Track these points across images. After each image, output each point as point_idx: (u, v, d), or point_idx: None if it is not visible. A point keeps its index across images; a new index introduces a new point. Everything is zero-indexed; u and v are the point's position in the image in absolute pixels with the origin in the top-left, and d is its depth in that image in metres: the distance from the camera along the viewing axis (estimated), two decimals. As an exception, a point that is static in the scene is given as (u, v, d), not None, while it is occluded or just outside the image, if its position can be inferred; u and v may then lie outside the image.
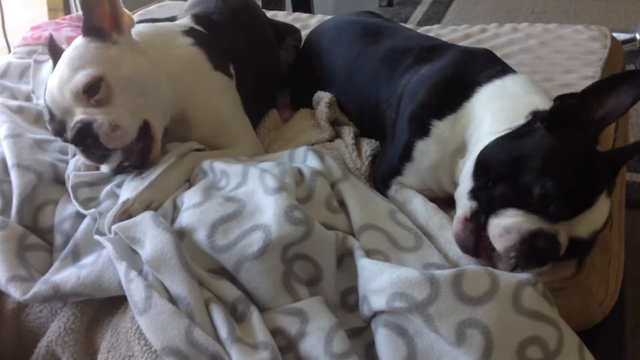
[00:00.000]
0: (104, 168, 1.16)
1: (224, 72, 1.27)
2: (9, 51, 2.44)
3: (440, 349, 0.83)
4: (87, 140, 1.05)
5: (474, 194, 0.96)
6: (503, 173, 0.94)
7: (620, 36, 2.59)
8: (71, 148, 1.21)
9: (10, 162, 1.14)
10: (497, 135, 0.99)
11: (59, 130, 1.10)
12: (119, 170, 1.13)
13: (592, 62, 1.61)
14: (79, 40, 1.12)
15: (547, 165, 0.90)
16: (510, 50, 1.74)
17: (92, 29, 1.11)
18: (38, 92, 1.46)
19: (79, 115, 1.06)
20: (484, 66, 1.15)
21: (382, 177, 1.17)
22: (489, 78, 1.11)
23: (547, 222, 0.89)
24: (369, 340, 0.90)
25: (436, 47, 1.26)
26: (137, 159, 1.10)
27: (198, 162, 1.15)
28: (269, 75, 1.47)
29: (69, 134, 1.07)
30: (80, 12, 1.81)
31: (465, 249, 0.96)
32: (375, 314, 0.89)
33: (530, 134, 0.96)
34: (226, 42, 1.33)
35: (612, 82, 0.92)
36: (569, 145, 0.93)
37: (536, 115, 0.98)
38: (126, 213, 1.03)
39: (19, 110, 1.30)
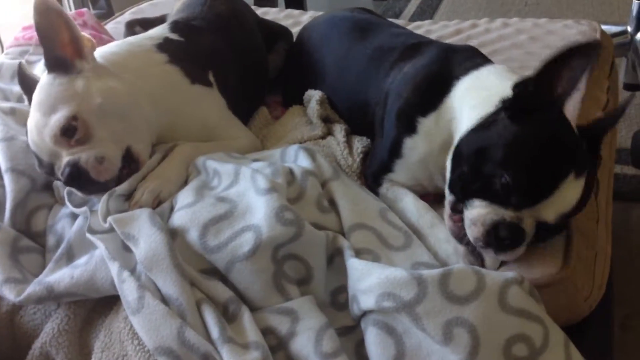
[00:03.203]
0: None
1: (203, 82, 1.27)
2: (2, 50, 2.43)
3: (428, 348, 0.84)
4: (80, 179, 1.06)
5: (451, 186, 0.99)
6: (470, 165, 0.97)
7: (612, 29, 2.58)
8: None
9: (4, 166, 1.14)
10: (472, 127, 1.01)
11: (49, 172, 1.10)
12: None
13: (581, 57, 1.61)
14: (44, 78, 1.10)
15: (507, 155, 0.92)
16: (501, 45, 1.75)
17: (55, 61, 1.09)
18: (30, 93, 1.47)
19: (65, 157, 1.06)
20: (463, 60, 1.16)
21: (373, 174, 1.18)
22: (466, 71, 1.12)
23: (510, 210, 0.92)
24: (359, 339, 0.91)
25: (420, 45, 1.27)
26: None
27: (194, 151, 1.16)
28: (254, 76, 1.47)
29: (62, 177, 1.07)
30: (73, 12, 1.80)
31: (458, 239, 0.98)
32: (364, 313, 0.90)
33: (495, 123, 0.98)
34: (204, 47, 1.33)
35: (563, 57, 0.91)
36: (530, 133, 0.94)
37: (504, 104, 0.99)
38: (137, 204, 1.05)
39: (12, 112, 1.30)
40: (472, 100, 1.06)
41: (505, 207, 0.92)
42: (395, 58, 1.26)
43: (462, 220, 0.96)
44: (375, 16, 1.58)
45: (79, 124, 1.05)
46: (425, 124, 1.11)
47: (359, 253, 0.97)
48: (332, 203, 1.07)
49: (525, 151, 0.93)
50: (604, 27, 1.83)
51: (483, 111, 1.01)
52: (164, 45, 1.26)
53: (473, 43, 1.76)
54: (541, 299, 0.90)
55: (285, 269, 0.95)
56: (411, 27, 1.90)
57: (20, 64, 1.22)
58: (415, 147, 1.12)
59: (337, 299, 0.97)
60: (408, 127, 1.13)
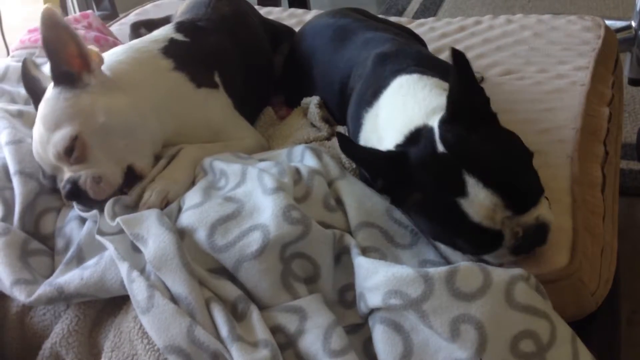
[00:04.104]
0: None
1: (208, 84, 1.27)
2: (8, 52, 2.44)
3: (436, 344, 0.84)
4: (79, 197, 1.07)
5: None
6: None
7: (616, 24, 2.58)
8: None
9: (12, 169, 1.15)
10: None
11: (52, 184, 1.12)
12: None
13: (585, 53, 1.61)
14: (50, 91, 1.11)
15: (445, 240, 0.97)
16: (505, 42, 1.75)
17: (62, 75, 1.09)
18: (37, 95, 1.47)
19: (66, 173, 1.07)
20: (383, 77, 1.16)
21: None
22: (382, 88, 1.13)
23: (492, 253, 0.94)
24: (366, 336, 0.92)
25: (365, 60, 1.24)
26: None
27: (200, 152, 1.16)
28: (260, 76, 1.48)
29: (62, 192, 1.08)
30: (78, 14, 1.81)
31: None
32: (372, 311, 0.90)
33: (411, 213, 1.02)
34: (209, 48, 1.34)
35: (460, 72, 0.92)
36: (412, 216, 1.00)
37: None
38: (145, 205, 1.06)
39: (19, 115, 1.31)
40: (386, 121, 1.09)
41: (494, 249, 0.93)
42: (355, 74, 1.26)
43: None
44: (356, 17, 1.52)
45: (77, 143, 1.06)
46: (361, 141, 1.16)
47: (365, 251, 0.98)
48: (339, 202, 1.07)
49: (437, 226, 0.96)
50: (607, 22, 1.83)
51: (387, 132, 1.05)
52: (170, 48, 1.26)
53: (477, 40, 1.77)
54: (548, 294, 0.90)
55: (293, 268, 0.96)
56: (414, 24, 1.91)
57: (25, 61, 1.23)
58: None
59: (344, 297, 0.98)
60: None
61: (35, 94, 1.17)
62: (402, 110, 1.06)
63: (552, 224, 0.94)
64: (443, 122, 0.96)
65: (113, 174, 1.08)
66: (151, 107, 1.16)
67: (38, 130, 1.09)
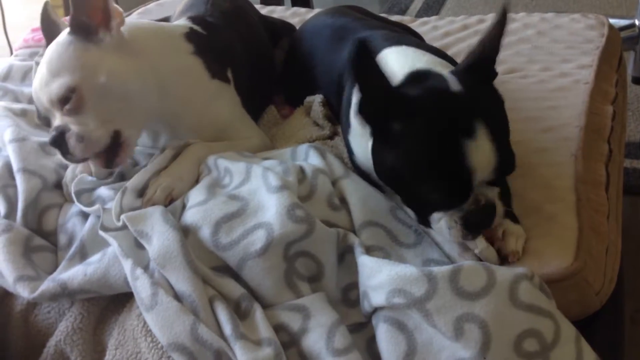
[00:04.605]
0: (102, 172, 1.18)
1: (221, 78, 1.27)
2: (11, 51, 2.45)
3: (439, 343, 0.84)
4: (61, 147, 1.07)
5: (406, 203, 1.01)
6: (401, 193, 1.00)
7: (620, 22, 2.57)
8: None
9: (15, 166, 1.15)
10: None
11: (45, 124, 1.13)
12: (122, 174, 1.16)
13: (589, 51, 1.61)
14: (63, 36, 1.11)
15: (412, 179, 0.94)
16: (508, 40, 1.74)
17: (80, 25, 1.09)
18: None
19: (57, 120, 1.08)
20: None
21: None
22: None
23: (463, 200, 0.93)
24: (370, 335, 0.92)
25: None
26: (103, 162, 1.11)
27: (206, 150, 1.16)
28: (263, 74, 1.48)
29: (49, 135, 1.09)
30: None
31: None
32: (375, 310, 0.90)
33: (377, 151, 1.00)
34: (223, 44, 1.33)
35: (358, 68, 0.92)
36: (407, 145, 0.94)
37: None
38: (150, 202, 1.06)
39: (23, 114, 1.32)
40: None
41: (457, 204, 0.93)
42: (346, 73, 1.24)
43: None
44: (355, 15, 1.52)
45: (75, 96, 1.06)
46: (352, 141, 1.14)
47: (369, 250, 0.97)
48: (343, 201, 1.07)
49: (414, 161, 0.93)
50: (611, 20, 1.83)
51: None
52: (191, 35, 1.26)
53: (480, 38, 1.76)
54: (552, 294, 0.90)
55: (296, 266, 0.96)
56: (417, 23, 1.91)
57: (46, 3, 1.22)
58: (360, 165, 1.14)
59: (348, 296, 0.98)
60: (348, 148, 1.17)
61: (51, 36, 1.17)
62: (397, 60, 1.05)
63: (499, 215, 0.95)
64: (459, 70, 0.98)
65: (98, 137, 1.08)
66: (157, 81, 1.15)
67: (41, 71, 1.09)
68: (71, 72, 1.07)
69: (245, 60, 1.38)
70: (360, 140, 1.09)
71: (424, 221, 0.98)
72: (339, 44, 1.36)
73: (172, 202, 1.07)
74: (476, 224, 0.93)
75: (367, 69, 0.92)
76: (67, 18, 1.14)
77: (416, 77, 1.00)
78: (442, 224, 0.95)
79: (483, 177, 0.91)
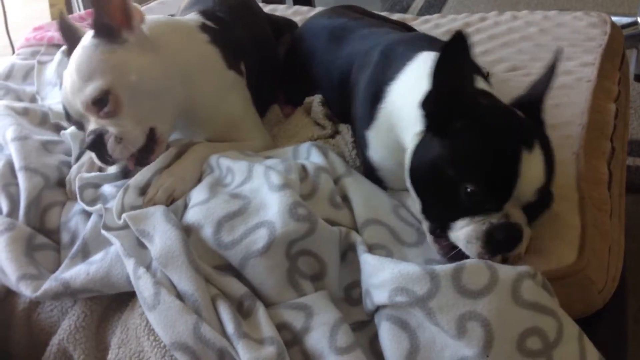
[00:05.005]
0: (112, 169, 1.18)
1: (236, 70, 1.28)
2: (13, 50, 2.45)
3: (442, 342, 0.84)
4: (100, 150, 1.08)
5: (426, 214, 0.98)
6: (433, 193, 0.97)
7: (622, 20, 2.57)
8: (74, 150, 1.23)
9: (17, 164, 1.15)
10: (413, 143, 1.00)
11: (78, 127, 1.14)
12: (126, 171, 1.16)
13: (591, 49, 1.61)
14: (88, 39, 1.11)
15: (459, 171, 0.91)
16: (510, 38, 1.74)
17: (102, 28, 1.10)
18: (42, 93, 1.48)
19: (93, 124, 1.09)
20: (397, 59, 1.13)
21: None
22: (396, 72, 1.10)
23: (494, 214, 0.91)
24: (372, 333, 0.92)
25: (370, 50, 1.23)
26: (138, 159, 1.13)
27: (209, 151, 1.16)
28: (269, 71, 1.47)
29: (86, 139, 1.10)
30: (82, 12, 1.81)
31: (447, 259, 0.96)
32: (378, 308, 0.90)
33: (428, 144, 0.97)
34: (235, 39, 1.33)
35: (446, 60, 0.90)
36: (466, 140, 0.92)
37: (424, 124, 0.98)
38: (151, 202, 1.06)
39: (25, 112, 1.32)
40: (404, 106, 1.04)
41: (486, 215, 0.91)
42: (356, 67, 1.25)
43: (448, 242, 0.95)
44: (353, 16, 1.52)
45: (111, 98, 1.07)
46: (371, 136, 1.12)
47: (372, 248, 0.97)
48: (345, 199, 1.07)
49: (472, 158, 0.92)
50: (614, 18, 1.83)
51: (416, 121, 0.99)
52: (205, 28, 1.27)
53: (482, 36, 1.77)
54: (555, 292, 0.90)
55: (299, 265, 0.96)
56: (419, 21, 1.91)
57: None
58: (379, 160, 1.12)
59: (350, 294, 0.98)
60: (364, 143, 1.14)
61: (71, 40, 1.18)
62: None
63: (525, 242, 0.94)
64: (519, 99, 1.00)
65: (135, 136, 1.09)
66: (181, 73, 1.17)
67: (71, 77, 1.10)
68: (103, 75, 1.07)
69: (255, 56, 1.38)
70: (386, 135, 1.08)
71: (443, 228, 0.95)
72: (337, 43, 1.36)
73: (174, 202, 1.07)
74: (499, 242, 0.91)
75: (456, 60, 0.90)
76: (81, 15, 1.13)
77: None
78: (462, 234, 0.92)
79: (524, 192, 0.90)
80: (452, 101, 0.92)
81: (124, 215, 1.01)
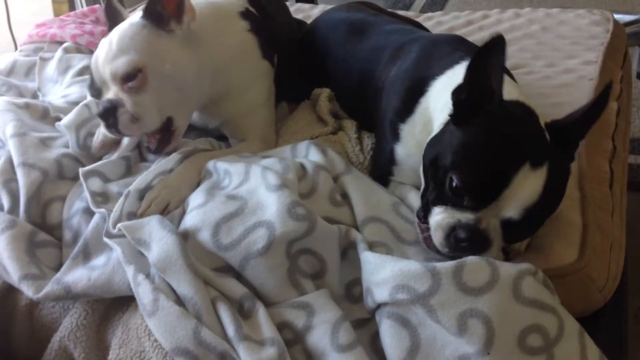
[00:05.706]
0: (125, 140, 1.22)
1: (270, 61, 1.30)
2: (15, 47, 2.45)
3: (443, 339, 0.84)
4: (109, 120, 1.10)
5: (421, 197, 1.00)
6: (429, 175, 0.98)
7: (625, 18, 2.57)
8: (71, 140, 1.23)
9: (16, 160, 1.15)
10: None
11: (95, 95, 1.16)
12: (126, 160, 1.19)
13: (594, 47, 1.61)
14: (137, 19, 1.14)
15: (452, 159, 0.92)
16: (513, 36, 1.74)
17: (154, 14, 1.13)
18: (44, 89, 1.48)
19: (111, 93, 1.11)
20: (441, 58, 1.13)
21: (378, 177, 1.17)
22: (442, 70, 1.10)
23: (468, 213, 0.91)
24: (374, 331, 0.92)
25: (405, 45, 1.24)
26: (155, 145, 1.16)
27: (207, 161, 1.16)
28: (288, 67, 1.46)
29: (99, 106, 1.11)
30: (86, 8, 1.81)
31: (430, 248, 0.97)
32: (379, 306, 0.90)
33: (445, 132, 0.98)
34: (273, 30, 1.34)
35: (482, 58, 0.91)
36: (472, 133, 0.93)
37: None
38: (144, 215, 1.05)
39: (26, 107, 1.31)
40: (441, 102, 1.04)
41: (461, 210, 0.91)
42: (385, 60, 1.25)
43: (428, 229, 0.96)
44: (370, 11, 1.54)
45: (140, 76, 1.10)
46: (405, 130, 1.12)
47: (372, 246, 0.97)
48: (345, 197, 1.07)
49: (468, 151, 0.92)
50: (616, 16, 1.83)
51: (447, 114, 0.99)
52: (247, 14, 1.29)
53: (484, 34, 1.76)
54: (556, 290, 0.90)
55: (299, 264, 0.96)
56: (422, 18, 1.90)
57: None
58: (406, 155, 1.12)
59: (351, 292, 0.98)
60: (394, 135, 1.13)
61: (113, 20, 1.21)
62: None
63: (493, 253, 0.93)
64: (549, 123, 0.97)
65: (152, 121, 1.12)
66: (215, 69, 1.20)
67: (109, 44, 1.12)
68: (141, 53, 1.10)
69: (285, 49, 1.39)
70: (420, 129, 1.08)
71: (426, 212, 0.97)
72: (358, 37, 1.37)
73: (169, 213, 1.07)
74: (460, 239, 0.91)
75: (492, 59, 0.91)
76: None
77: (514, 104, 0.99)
78: (433, 220, 0.94)
79: (508, 205, 0.89)
80: (480, 97, 0.93)
81: (119, 225, 1.00)
